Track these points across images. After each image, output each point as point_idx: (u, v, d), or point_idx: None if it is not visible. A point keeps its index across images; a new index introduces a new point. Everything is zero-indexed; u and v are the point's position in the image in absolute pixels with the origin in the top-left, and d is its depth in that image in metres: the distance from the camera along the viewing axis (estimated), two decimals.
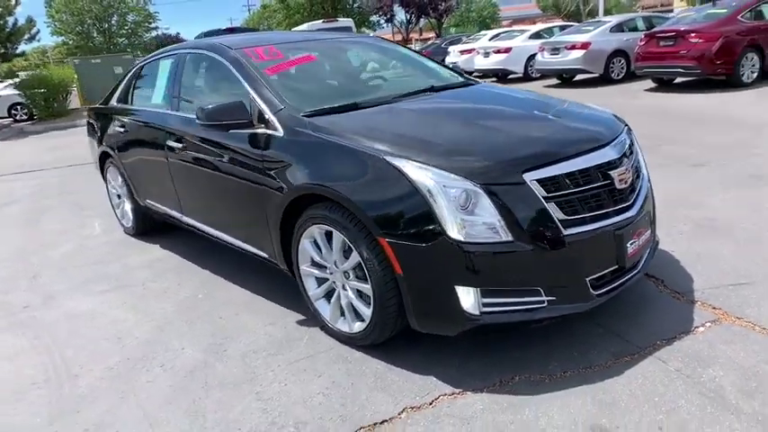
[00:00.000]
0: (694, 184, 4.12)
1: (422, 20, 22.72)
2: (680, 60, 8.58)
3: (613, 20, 11.66)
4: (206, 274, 3.40)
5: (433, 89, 2.95)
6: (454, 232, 1.90)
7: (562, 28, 14.08)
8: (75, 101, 16.83)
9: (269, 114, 2.53)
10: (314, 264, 2.46)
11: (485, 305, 1.96)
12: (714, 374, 1.96)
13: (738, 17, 8.39)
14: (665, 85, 9.78)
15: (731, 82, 8.43)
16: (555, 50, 11.60)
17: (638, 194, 2.29)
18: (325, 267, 2.41)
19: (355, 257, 2.18)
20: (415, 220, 1.96)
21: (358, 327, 2.32)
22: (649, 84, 10.05)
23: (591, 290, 2.06)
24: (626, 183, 2.20)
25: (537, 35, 14.15)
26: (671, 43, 8.73)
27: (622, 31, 11.22)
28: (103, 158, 4.34)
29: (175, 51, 3.50)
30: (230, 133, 2.66)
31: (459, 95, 2.90)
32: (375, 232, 2.03)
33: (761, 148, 4.86)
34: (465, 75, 3.41)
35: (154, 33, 37.56)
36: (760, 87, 8.22)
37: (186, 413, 2.07)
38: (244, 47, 3.00)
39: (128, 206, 4.27)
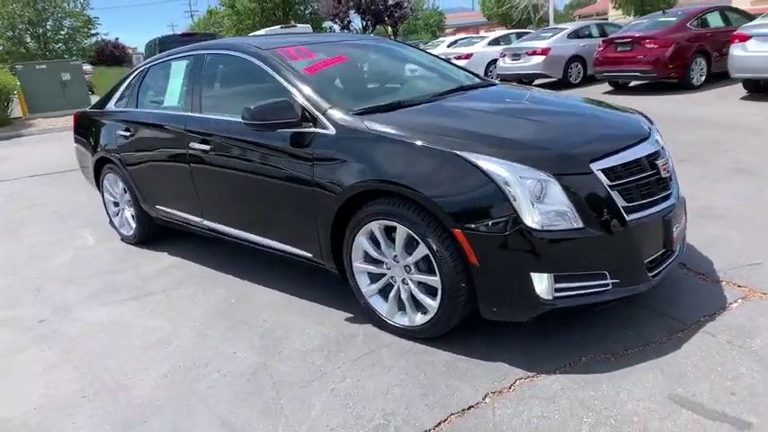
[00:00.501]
0: (681, 178, 4.40)
1: (378, 26, 22.98)
2: (637, 65, 9.13)
3: (570, 27, 12.24)
4: (230, 279, 3.33)
5: (462, 88, 3.04)
6: (530, 221, 1.99)
7: (519, 35, 14.64)
8: (17, 109, 15.81)
9: (317, 113, 2.54)
10: (368, 260, 2.49)
11: (557, 290, 2.06)
12: (763, 343, 2.14)
13: (687, 25, 9.04)
14: (620, 88, 10.37)
15: (682, 84, 9.05)
16: (516, 56, 12.05)
17: (675, 183, 2.47)
18: (382, 263, 2.44)
19: (422, 251, 2.22)
20: (491, 211, 2.03)
21: (420, 319, 2.36)
22: (606, 87, 10.63)
23: (647, 272, 2.20)
24: (667, 172, 2.37)
25: (495, 41, 14.68)
26: (628, 49, 9.28)
27: (579, 38, 11.81)
28: (100, 165, 4.16)
29: (190, 53, 3.42)
30: (273, 133, 2.64)
31: (494, 94, 3.01)
32: (449, 224, 2.08)
33: (733, 143, 5.27)
34: (481, 76, 3.54)
35: (93, 39, 35.95)
36: (709, 89, 8.87)
37: (264, 414, 2.05)
38: (274, 47, 2.99)
39: (128, 213, 4.11)
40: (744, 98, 7.70)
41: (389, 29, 23.55)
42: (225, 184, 3.05)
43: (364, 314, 2.63)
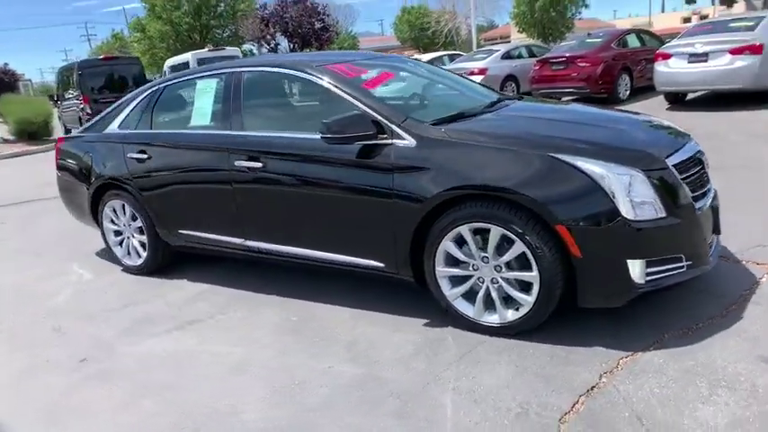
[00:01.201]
0: None
1: (305, 49, 23.06)
2: (570, 82, 10.00)
3: (502, 49, 13.13)
4: (277, 299, 3.26)
5: (501, 101, 3.25)
6: (626, 213, 2.21)
7: (451, 57, 15.50)
8: None
9: (392, 125, 2.62)
10: (451, 264, 2.59)
11: (647, 274, 2.29)
12: None
13: (611, 45, 10.07)
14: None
15: (610, 99, 10.02)
16: None
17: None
18: (468, 265, 2.55)
19: (517, 249, 2.37)
20: (591, 205, 2.23)
21: (512, 315, 2.49)
22: None
23: (709, 254, 2.50)
24: (708, 167, 2.71)
25: (430, 63, 15.34)
26: (562, 67, 10.14)
27: (511, 58, 12.69)
28: (99, 193, 3.90)
29: (221, 71, 3.36)
30: (343, 147, 2.68)
31: (539, 105, 3.26)
32: (552, 221, 2.25)
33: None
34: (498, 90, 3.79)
35: None
36: (634, 102, 9.89)
37: (400, 419, 2.07)
38: (323, 64, 3.03)
39: (136, 242, 3.88)
40: (669, 109, 8.69)
41: (315, 51, 23.73)
42: (280, 200, 3.01)
43: (441, 318, 2.72)
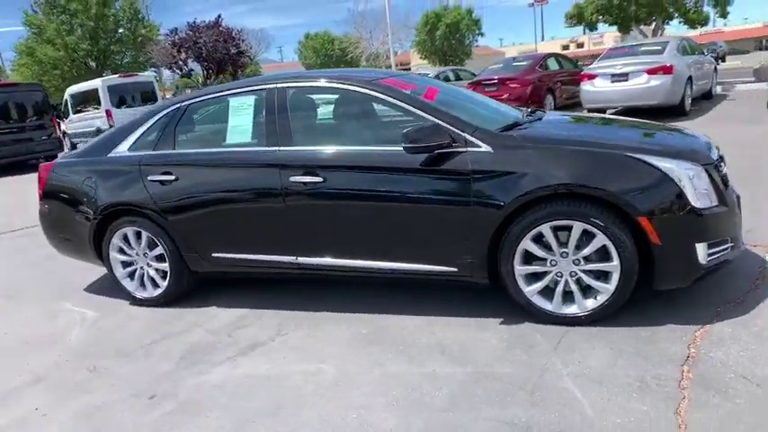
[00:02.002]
0: None
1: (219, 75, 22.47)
2: (503, 102, 10.74)
3: (431, 72, 13.79)
4: (331, 315, 3.21)
5: (534, 113, 3.51)
6: (695, 202, 2.52)
7: None
8: None
9: (465, 134, 2.76)
10: (530, 262, 2.76)
11: (708, 255, 2.61)
12: None
13: (536, 68, 11.01)
14: None
15: None
16: None
17: None
18: (546, 261, 2.74)
19: (599, 242, 2.59)
20: (667, 198, 2.52)
21: (591, 304, 2.71)
22: None
23: (740, 238, 2.90)
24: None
25: None
26: (494, 89, 10.89)
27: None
28: (106, 221, 3.59)
29: (260, 87, 3.28)
30: (415, 157, 2.78)
31: (572, 117, 3.56)
32: (635, 213, 2.50)
33: None
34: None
35: None
36: None
37: (537, 406, 2.16)
38: (376, 79, 3.11)
39: (152, 271, 3.62)
40: None
41: (231, 77, 23.24)
42: (344, 214, 3.01)
43: (513, 315, 2.87)
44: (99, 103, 15.28)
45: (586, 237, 2.63)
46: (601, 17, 16.65)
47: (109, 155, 3.65)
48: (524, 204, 2.64)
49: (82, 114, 16.13)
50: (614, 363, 2.41)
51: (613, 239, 2.56)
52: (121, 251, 3.67)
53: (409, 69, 41.65)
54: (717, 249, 2.66)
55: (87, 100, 16.00)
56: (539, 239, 2.71)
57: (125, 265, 3.71)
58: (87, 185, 3.65)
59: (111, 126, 13.91)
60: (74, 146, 15.76)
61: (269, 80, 3.35)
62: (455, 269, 2.89)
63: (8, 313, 3.91)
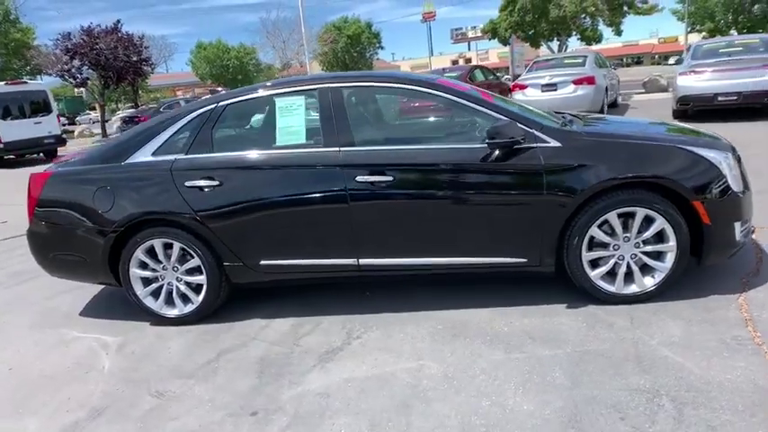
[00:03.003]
0: None
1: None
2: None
3: None
4: (396, 315, 3.20)
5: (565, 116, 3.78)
6: (734, 186, 2.92)
7: None
8: None
9: (534, 131, 2.94)
10: (594, 248, 2.99)
11: (740, 233, 3.03)
12: None
13: (466, 78, 11.63)
14: None
15: None
16: None
17: None
18: (610, 246, 2.98)
19: (659, 225, 2.89)
20: (714, 183, 2.88)
21: (650, 282, 3.00)
22: None
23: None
24: None
25: None
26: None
27: None
28: (128, 234, 3.26)
29: (310, 87, 3.20)
30: (487, 153, 2.90)
31: (598, 118, 3.86)
32: (691, 198, 2.84)
33: None
34: None
35: None
36: None
37: (648, 373, 2.37)
38: (435, 80, 3.18)
39: (182, 286, 3.34)
40: None
41: (129, 88, 21.54)
42: (414, 212, 3.03)
43: (573, 299, 3.09)
44: None
45: (647, 221, 2.92)
46: (514, 33, 18.06)
47: (126, 161, 3.32)
48: (594, 194, 2.87)
49: None
50: (690, 330, 2.70)
51: (672, 222, 2.87)
52: (143, 266, 3.34)
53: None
54: (745, 228, 3.08)
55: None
56: (601, 226, 2.96)
57: (146, 282, 3.38)
58: (102, 196, 3.27)
59: None
60: None
61: (318, 80, 3.28)
62: (525, 260, 3.05)
63: (12, 342, 3.38)
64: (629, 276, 3.03)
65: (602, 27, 18.48)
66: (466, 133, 3.28)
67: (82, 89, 28.59)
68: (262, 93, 3.33)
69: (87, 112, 52.54)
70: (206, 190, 3.16)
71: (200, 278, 3.30)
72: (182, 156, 3.25)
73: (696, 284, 3.15)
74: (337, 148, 3.08)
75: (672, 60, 65.92)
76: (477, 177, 2.98)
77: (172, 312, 3.39)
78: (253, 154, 3.22)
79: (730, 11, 30.43)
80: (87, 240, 3.33)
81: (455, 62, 73.37)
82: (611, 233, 2.97)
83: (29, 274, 4.73)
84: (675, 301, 2.99)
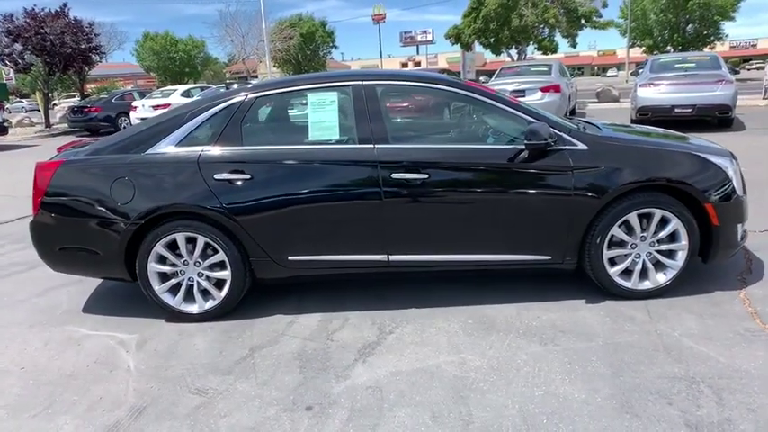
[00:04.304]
0: None
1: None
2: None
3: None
4: (422, 311, 3.26)
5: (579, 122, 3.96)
6: (738, 191, 3.18)
7: (203, 89, 16.93)
8: None
9: (563, 134, 3.09)
10: (612, 246, 3.17)
11: (740, 235, 3.30)
12: None
13: None
14: None
15: None
16: None
17: None
18: (628, 244, 3.18)
19: (673, 225, 3.11)
20: (723, 188, 3.13)
21: (662, 279, 3.22)
22: None
23: None
24: None
25: (187, 93, 16.77)
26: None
27: None
28: (148, 226, 3.14)
29: (343, 84, 3.21)
30: (519, 153, 3.03)
31: (609, 123, 4.06)
32: (703, 201, 3.07)
33: None
34: None
35: None
36: None
37: (679, 362, 2.55)
38: (463, 82, 3.26)
39: (204, 281, 3.26)
40: None
41: (75, 77, 20.22)
42: (447, 210, 3.10)
43: (590, 295, 3.26)
44: None
45: (663, 222, 3.14)
46: (477, 40, 18.52)
47: (148, 152, 3.20)
48: (619, 195, 3.05)
49: None
50: (705, 323, 2.92)
51: (686, 223, 3.10)
52: (162, 261, 3.23)
53: (256, 77, 40.77)
54: (743, 230, 3.36)
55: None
56: (620, 226, 3.14)
57: (164, 277, 3.27)
58: (121, 187, 3.14)
59: None
60: None
61: (350, 77, 3.30)
62: (549, 257, 3.19)
63: (3, 345, 3.15)
64: (643, 273, 3.24)
65: (558, 38, 19.45)
66: (495, 134, 3.38)
67: (11, 76, 26.79)
68: (293, 87, 3.30)
69: (19, 99, 49.14)
70: (236, 183, 3.10)
71: (224, 273, 3.23)
72: (209, 147, 3.17)
73: (696, 282, 3.41)
74: (372, 145, 3.10)
75: (611, 72, 69.68)
76: (510, 177, 3.09)
77: (190, 308, 3.29)
78: (286, 148, 3.19)
79: (667, 29, 32.65)
80: (102, 233, 3.18)
81: (404, 65, 74.16)
82: (630, 232, 3.17)
83: (6, 270, 4.46)
84: (684, 297, 3.23)
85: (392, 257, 3.20)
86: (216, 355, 2.91)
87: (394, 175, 3.05)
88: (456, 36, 19.28)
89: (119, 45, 44.77)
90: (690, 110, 9.09)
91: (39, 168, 3.29)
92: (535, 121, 3.10)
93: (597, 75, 72.61)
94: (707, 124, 9.86)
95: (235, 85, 3.54)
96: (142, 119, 16.44)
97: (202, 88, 18.07)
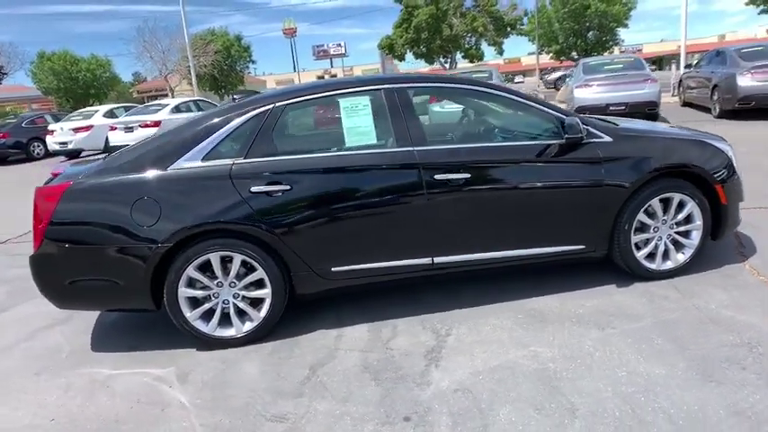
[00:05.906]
0: None
1: None
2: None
3: (172, 103, 14.52)
4: (467, 311, 3.25)
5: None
6: (738, 172, 3.49)
7: (126, 108, 16.38)
8: None
9: (589, 128, 3.24)
10: (637, 231, 3.35)
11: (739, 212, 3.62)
12: None
13: None
14: None
15: None
16: (129, 128, 13.37)
17: None
18: (650, 228, 3.37)
19: (690, 208, 3.35)
20: (728, 170, 3.42)
21: (682, 258, 3.44)
22: None
23: None
24: None
25: (110, 113, 16.05)
26: None
27: (180, 112, 13.90)
28: (179, 248, 2.89)
29: (373, 87, 3.14)
30: (553, 148, 3.14)
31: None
32: (714, 183, 3.33)
33: None
34: None
35: None
36: None
37: (729, 331, 2.74)
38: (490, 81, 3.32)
39: (240, 302, 3.06)
40: None
41: None
42: (491, 208, 3.14)
43: (616, 281, 3.43)
44: None
45: (680, 205, 3.37)
46: (410, 50, 18.89)
47: (170, 168, 2.95)
48: (644, 183, 3.24)
49: None
50: (733, 295, 3.17)
51: (700, 205, 3.35)
52: (192, 285, 2.99)
53: (167, 95, 39.01)
54: (739, 209, 3.69)
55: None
56: (645, 211, 3.34)
57: (194, 302, 3.02)
58: (143, 208, 2.87)
59: None
60: None
61: (379, 81, 3.25)
62: (583, 246, 3.32)
63: (15, 399, 2.75)
64: (665, 254, 3.46)
65: (484, 46, 20.39)
66: (528, 131, 3.45)
67: None
68: (323, 93, 3.19)
69: None
70: (274, 195, 2.94)
71: (263, 292, 3.04)
72: (240, 160, 2.98)
73: (703, 261, 3.68)
74: (411, 148, 3.07)
75: (518, 79, 73.82)
76: (547, 171, 3.19)
77: (227, 333, 3.07)
78: (323, 156, 3.08)
79: (570, 36, 35.31)
80: (123, 260, 2.89)
81: (320, 77, 74.23)
82: (652, 217, 3.37)
83: None
84: (701, 273, 3.47)
85: (436, 260, 3.17)
86: (275, 379, 2.73)
87: (437, 177, 3.04)
88: (389, 46, 19.61)
89: (21, 66, 41.01)
90: (623, 107, 9.86)
91: (39, 195, 2.94)
92: (565, 117, 3.23)
93: (507, 81, 76.57)
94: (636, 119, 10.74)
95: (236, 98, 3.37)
96: (61, 143, 15.16)
97: (126, 108, 16.98)
